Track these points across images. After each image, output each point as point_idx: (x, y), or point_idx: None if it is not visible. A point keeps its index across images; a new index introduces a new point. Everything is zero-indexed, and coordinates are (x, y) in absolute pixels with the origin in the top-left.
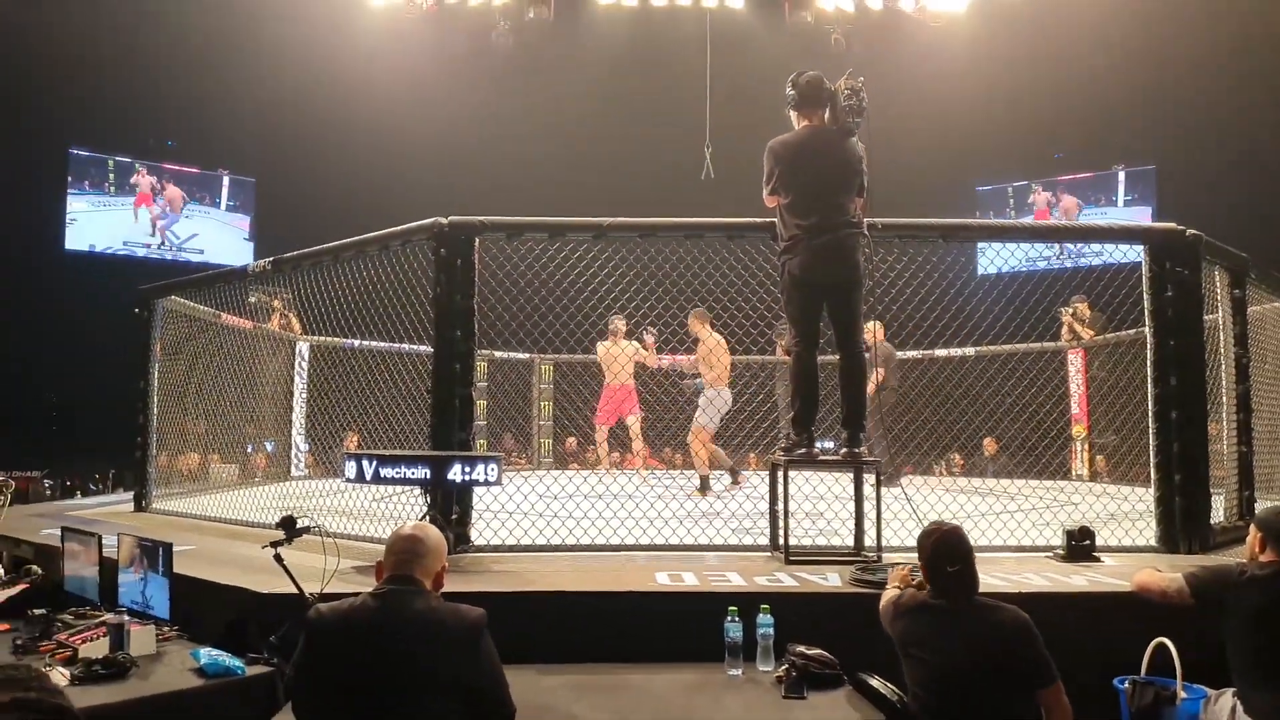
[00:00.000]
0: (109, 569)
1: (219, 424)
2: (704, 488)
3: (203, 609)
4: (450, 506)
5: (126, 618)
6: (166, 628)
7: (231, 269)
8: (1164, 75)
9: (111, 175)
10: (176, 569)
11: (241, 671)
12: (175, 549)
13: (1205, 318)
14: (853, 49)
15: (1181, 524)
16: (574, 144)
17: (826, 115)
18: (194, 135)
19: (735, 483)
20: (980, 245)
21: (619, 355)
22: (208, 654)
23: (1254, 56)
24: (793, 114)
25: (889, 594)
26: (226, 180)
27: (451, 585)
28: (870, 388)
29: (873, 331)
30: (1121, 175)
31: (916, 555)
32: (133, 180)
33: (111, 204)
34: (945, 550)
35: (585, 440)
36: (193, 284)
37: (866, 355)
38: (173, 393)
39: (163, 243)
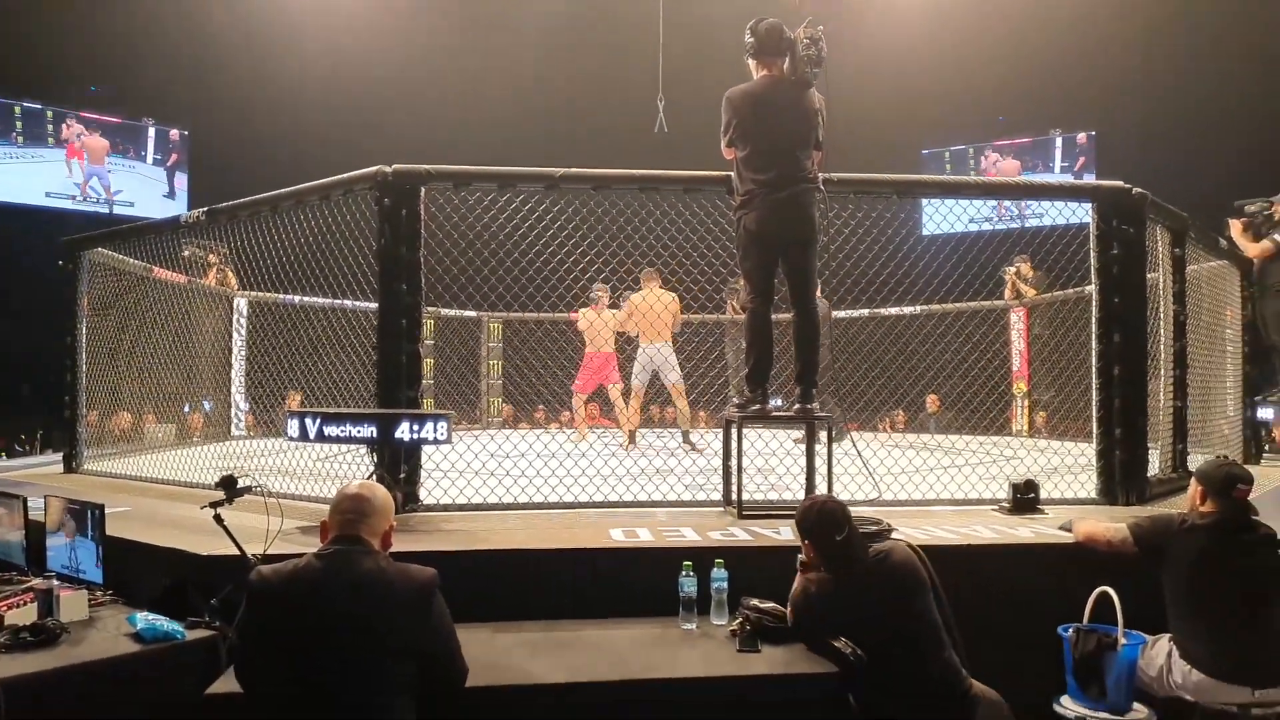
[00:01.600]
0: (36, 532)
1: (153, 382)
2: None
3: (139, 573)
4: (399, 466)
5: (55, 583)
6: (100, 592)
7: (162, 220)
8: (1106, 41)
9: (19, 124)
10: (110, 531)
11: (181, 636)
12: (108, 510)
13: (1147, 276)
14: (805, 5)
15: (1121, 477)
16: (525, 94)
17: (786, 65)
18: (117, 82)
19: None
20: (925, 205)
21: (601, 324)
22: (144, 619)
23: (1195, 25)
24: (751, 62)
25: (797, 590)
26: (152, 131)
27: (402, 545)
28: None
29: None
30: (1059, 141)
31: (800, 537)
32: (63, 133)
33: (20, 155)
34: (829, 520)
35: (557, 407)
36: (119, 235)
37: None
38: (103, 350)
39: (95, 198)
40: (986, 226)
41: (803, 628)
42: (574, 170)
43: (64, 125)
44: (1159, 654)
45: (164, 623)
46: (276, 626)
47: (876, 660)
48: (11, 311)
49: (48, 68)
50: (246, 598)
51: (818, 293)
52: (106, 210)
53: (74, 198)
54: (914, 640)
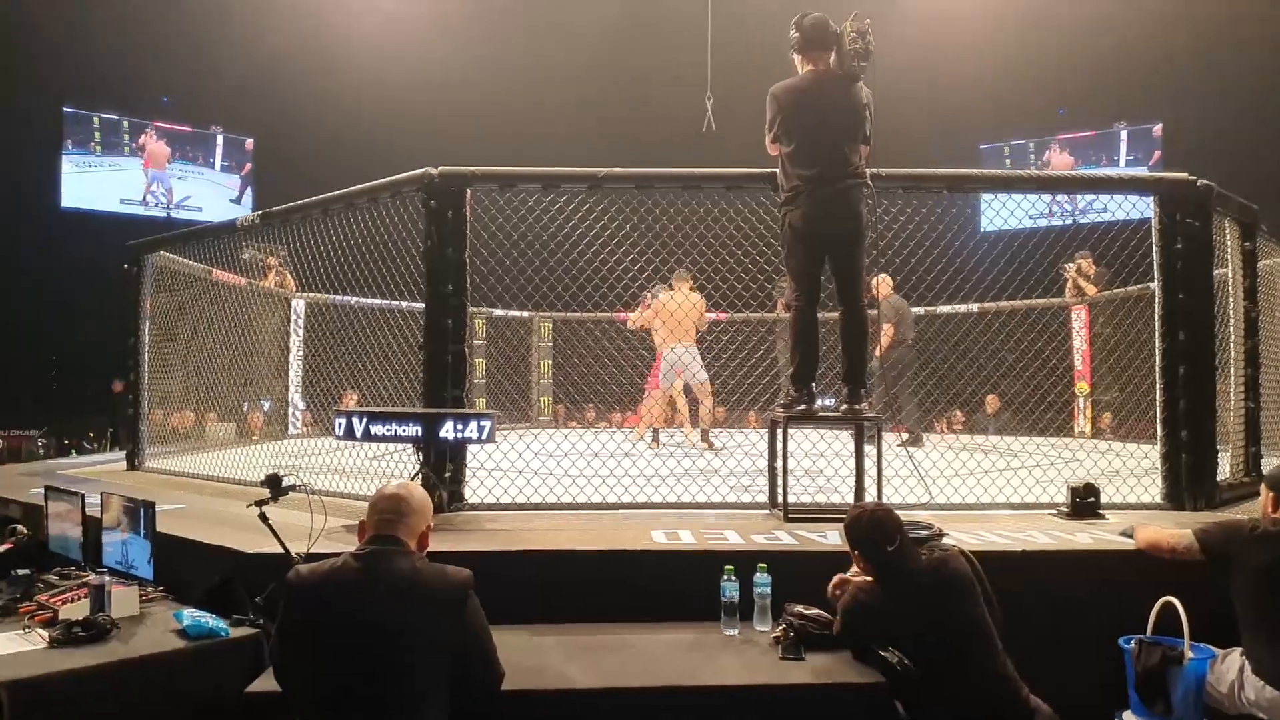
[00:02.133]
0: (93, 528)
1: (215, 382)
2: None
3: (189, 569)
4: (444, 464)
5: (108, 578)
6: (150, 588)
7: (220, 224)
8: (1170, 31)
9: (97, 134)
10: (162, 528)
11: (225, 633)
12: (161, 508)
13: (1215, 271)
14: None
15: (1187, 481)
16: (571, 96)
17: (832, 59)
18: (187, 92)
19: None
20: (984, 201)
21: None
22: (191, 615)
23: (1264, 13)
24: (796, 58)
25: (848, 600)
26: (220, 139)
27: (444, 544)
28: (884, 344)
29: (877, 286)
30: (1124, 134)
31: (849, 547)
32: (140, 140)
33: (97, 164)
34: (880, 530)
35: (611, 406)
36: (181, 239)
37: (872, 312)
38: (167, 350)
39: (154, 202)
40: (1044, 223)
41: (853, 637)
42: (616, 170)
43: (142, 135)
44: (1230, 669)
45: (209, 620)
46: (312, 626)
47: (930, 670)
48: (85, 313)
49: (124, 79)
50: (284, 597)
51: (889, 291)
52: (164, 215)
53: (144, 204)
54: (968, 649)
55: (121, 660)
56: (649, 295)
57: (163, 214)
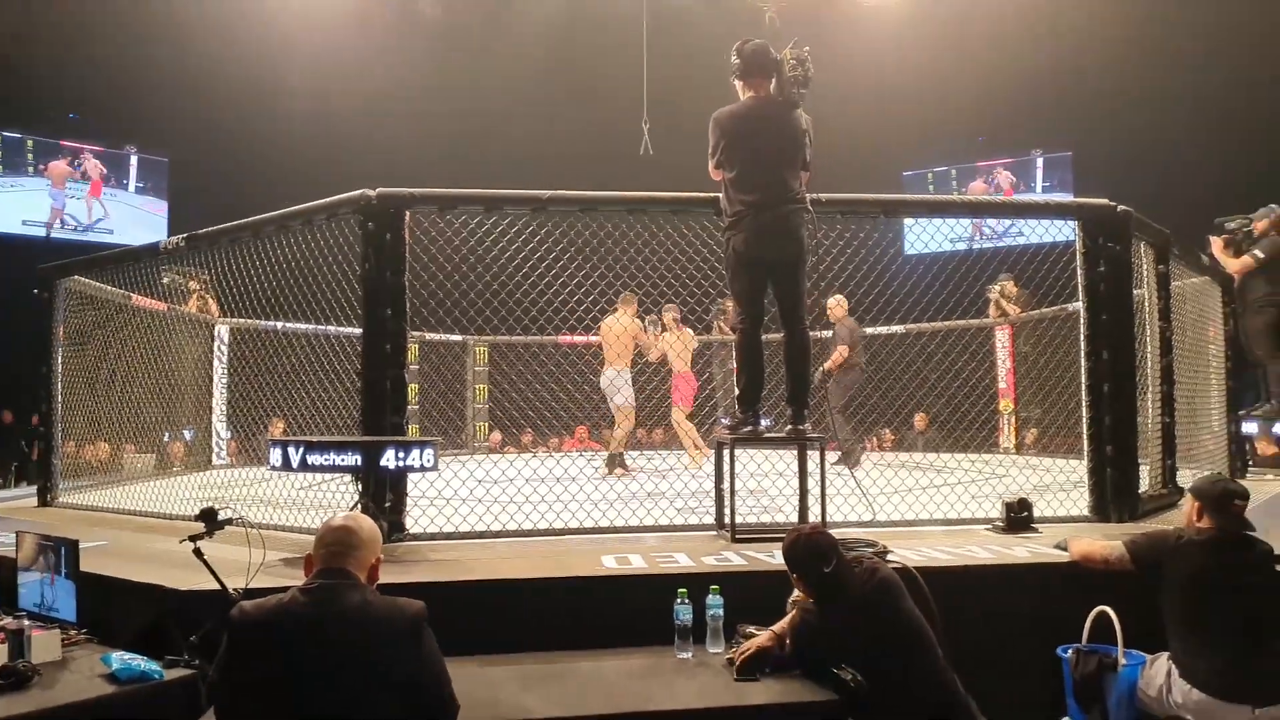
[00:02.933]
0: (7, 570)
1: (132, 411)
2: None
3: (116, 610)
4: (384, 494)
5: (27, 622)
6: (74, 631)
7: (141, 247)
8: (1083, 60)
9: None
10: (84, 567)
11: (159, 675)
12: (82, 545)
13: (1133, 292)
14: (787, 29)
15: (1113, 494)
16: (509, 118)
17: (773, 86)
18: (99, 110)
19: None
20: (907, 226)
21: (681, 346)
22: (120, 658)
23: (1172, 46)
24: (738, 84)
25: (795, 621)
26: (135, 159)
27: (388, 576)
28: (833, 363)
29: (833, 308)
30: (1040, 161)
31: (787, 569)
32: (69, 161)
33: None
34: (815, 552)
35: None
36: (96, 263)
37: (826, 333)
38: (81, 379)
39: (61, 224)
40: (963, 246)
41: (804, 658)
42: (561, 192)
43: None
44: (1158, 673)
45: (140, 662)
46: (259, 665)
47: (880, 683)
48: None
49: (30, 97)
50: (227, 635)
51: (843, 313)
52: (69, 238)
53: (49, 225)
54: (911, 660)
55: (44, 709)
56: (649, 325)
57: (70, 237)
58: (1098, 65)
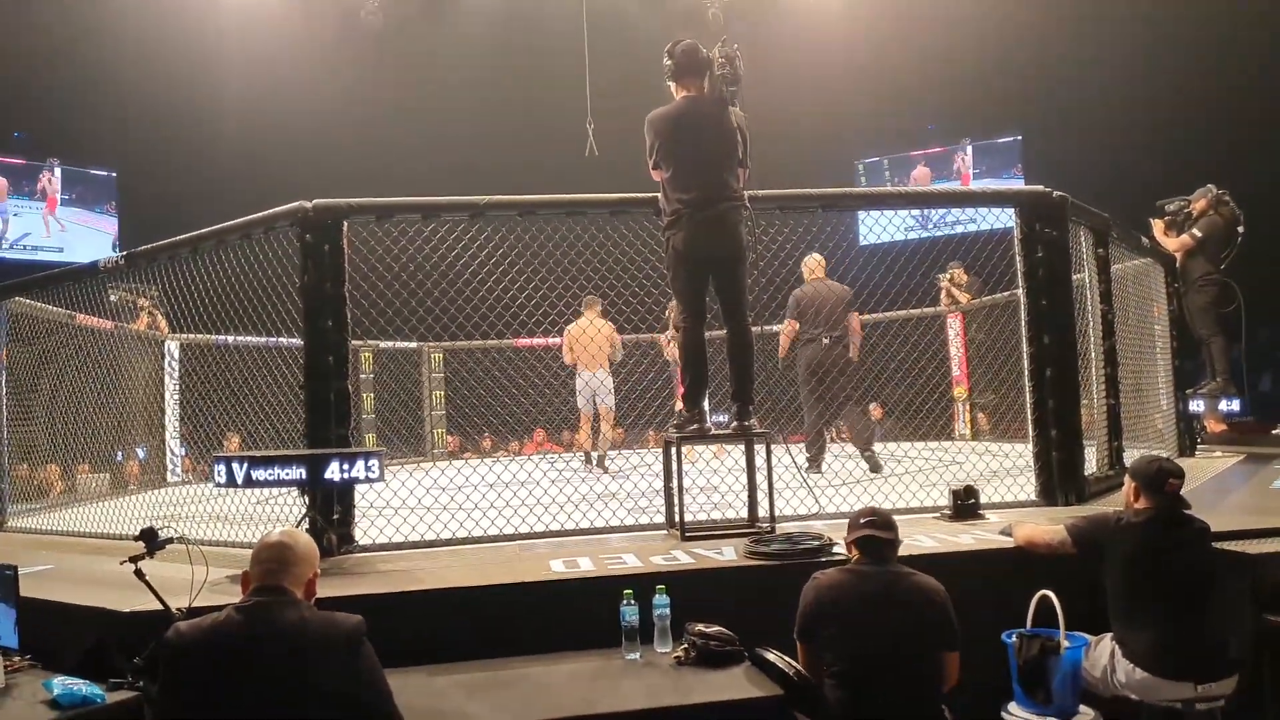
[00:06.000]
0: None
1: (84, 432)
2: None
3: (60, 635)
4: (331, 506)
5: None
6: (16, 658)
7: (80, 266)
8: (1029, 43)
9: None
10: (28, 592)
11: (101, 699)
12: (25, 570)
13: (1073, 277)
14: (730, 24)
15: (1059, 478)
16: (451, 126)
17: (705, 84)
18: (33, 125)
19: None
20: (860, 216)
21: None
22: (61, 683)
23: (1117, 27)
24: (671, 85)
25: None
26: (59, 171)
27: (334, 589)
28: (782, 343)
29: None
30: (969, 149)
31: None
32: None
33: None
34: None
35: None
36: (36, 284)
37: None
38: (30, 401)
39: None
40: (916, 235)
41: (804, 617)
42: (498, 198)
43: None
44: (1102, 654)
45: (83, 687)
46: (196, 685)
47: (862, 671)
48: None
49: None
50: (164, 657)
51: (810, 275)
52: (25, 258)
53: None
54: (912, 649)
55: None
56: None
57: (18, 256)
58: (1044, 49)
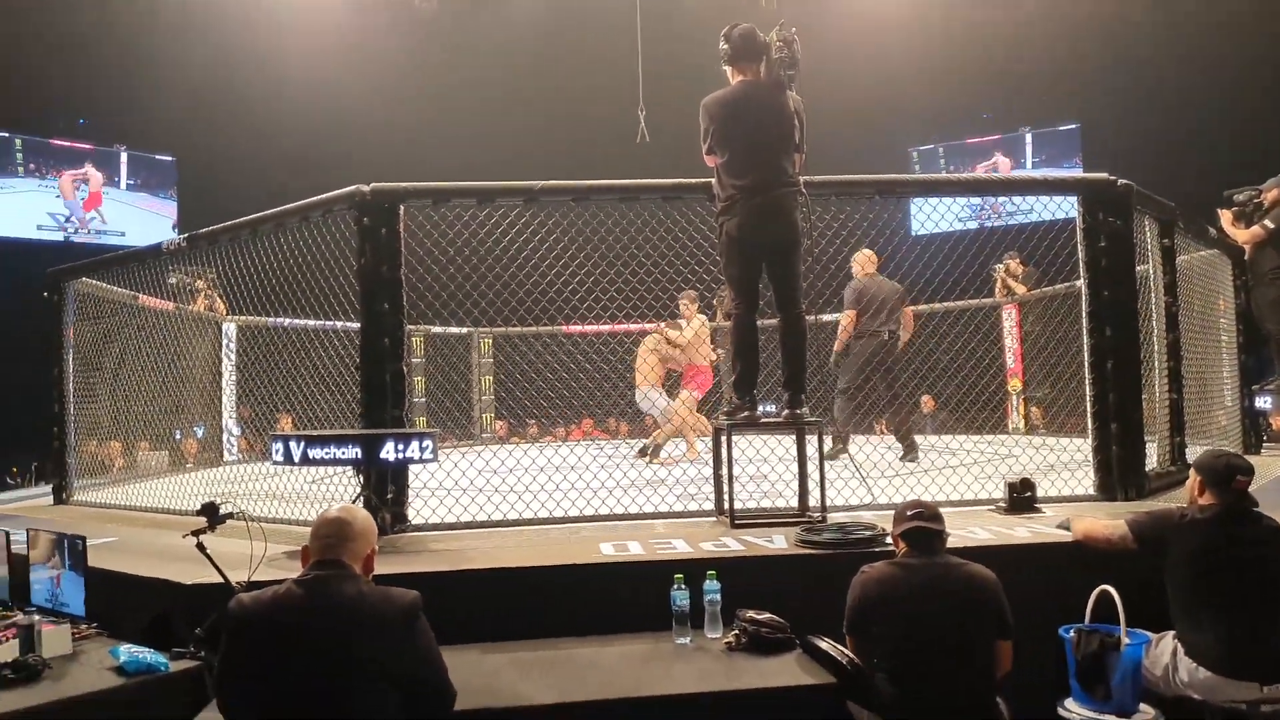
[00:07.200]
0: (20, 566)
1: (145, 410)
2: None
3: (124, 604)
4: (385, 486)
5: (37, 618)
6: (84, 625)
7: (145, 248)
8: (1090, 31)
9: None
10: (95, 563)
11: (165, 668)
12: (92, 542)
13: (1137, 268)
14: (782, 7)
15: (1118, 472)
16: (503, 112)
17: (762, 69)
18: (99, 111)
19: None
20: (914, 206)
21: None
22: (127, 651)
23: (1181, 13)
24: (728, 69)
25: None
26: (125, 157)
27: (389, 566)
28: (839, 343)
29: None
30: (1029, 137)
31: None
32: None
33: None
34: (1236, 468)
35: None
36: (103, 264)
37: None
38: (94, 379)
39: (74, 226)
40: (973, 225)
41: (853, 611)
42: (553, 183)
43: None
44: (1164, 652)
45: (147, 654)
46: (257, 655)
47: (898, 671)
48: (7, 344)
49: (26, 99)
50: (226, 627)
51: (861, 270)
52: (64, 239)
53: (63, 229)
54: (963, 639)
55: (54, 701)
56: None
57: (89, 240)
58: (1104, 36)
